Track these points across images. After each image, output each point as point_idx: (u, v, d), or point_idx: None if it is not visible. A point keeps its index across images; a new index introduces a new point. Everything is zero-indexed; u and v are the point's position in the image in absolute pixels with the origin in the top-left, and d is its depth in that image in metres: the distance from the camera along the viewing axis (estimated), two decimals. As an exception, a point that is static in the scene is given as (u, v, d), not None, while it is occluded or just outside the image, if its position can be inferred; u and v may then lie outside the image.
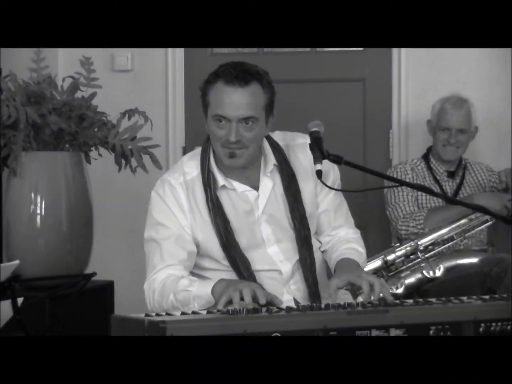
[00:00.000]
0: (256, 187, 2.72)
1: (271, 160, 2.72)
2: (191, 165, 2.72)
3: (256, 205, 2.72)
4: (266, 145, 2.75)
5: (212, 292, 2.50)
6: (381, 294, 2.48)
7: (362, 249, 2.78)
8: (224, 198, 2.69)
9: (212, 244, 2.67)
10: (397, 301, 2.50)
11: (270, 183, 2.73)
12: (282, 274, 2.71)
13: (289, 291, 2.70)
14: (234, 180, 2.70)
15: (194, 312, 2.50)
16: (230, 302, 2.41)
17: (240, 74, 2.59)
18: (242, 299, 2.40)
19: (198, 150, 2.76)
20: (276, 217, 2.74)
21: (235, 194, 2.71)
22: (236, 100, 2.58)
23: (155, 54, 4.49)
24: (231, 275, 2.65)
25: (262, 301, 2.39)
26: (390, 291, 2.52)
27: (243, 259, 2.66)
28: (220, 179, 2.67)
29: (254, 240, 2.71)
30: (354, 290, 2.50)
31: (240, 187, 2.70)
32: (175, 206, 2.67)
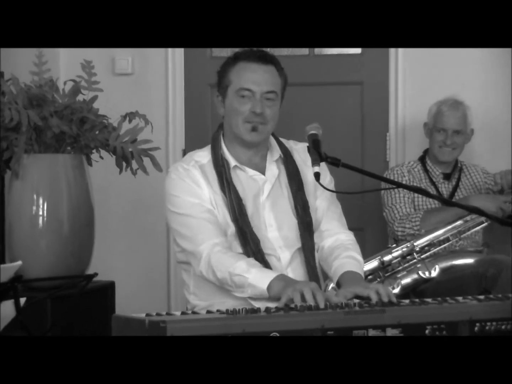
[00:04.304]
0: (263, 173, 2.81)
1: (277, 151, 2.84)
2: (200, 155, 2.81)
3: (262, 189, 2.79)
4: (272, 139, 2.86)
5: (268, 288, 2.53)
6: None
7: (359, 256, 2.81)
8: (236, 179, 2.76)
9: (224, 220, 2.72)
10: (394, 302, 2.52)
11: (276, 171, 2.82)
12: (280, 260, 2.75)
13: None
14: (244, 165, 2.79)
15: (194, 312, 2.51)
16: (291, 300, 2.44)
17: (260, 54, 2.76)
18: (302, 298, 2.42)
19: (199, 153, 2.83)
20: (279, 204, 2.81)
21: (245, 176, 2.79)
22: (260, 75, 2.73)
23: (155, 57, 4.50)
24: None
25: (322, 304, 2.39)
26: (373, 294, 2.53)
27: (253, 236, 2.71)
28: (232, 161, 2.77)
29: (258, 223, 2.75)
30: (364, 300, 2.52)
31: (250, 171, 2.79)
32: (191, 183, 2.73)
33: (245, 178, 2.79)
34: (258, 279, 2.55)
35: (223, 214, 2.72)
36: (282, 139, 2.88)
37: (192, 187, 2.72)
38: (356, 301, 2.52)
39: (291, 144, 2.88)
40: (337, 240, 2.82)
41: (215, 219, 2.71)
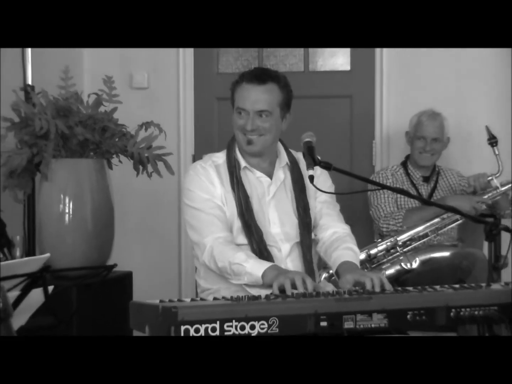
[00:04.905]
0: (270, 177, 2.83)
1: (284, 159, 2.86)
2: (217, 156, 2.84)
3: (268, 190, 2.82)
4: (281, 148, 2.89)
5: (263, 275, 2.54)
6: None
7: (355, 247, 2.82)
8: (245, 178, 2.79)
9: (232, 214, 2.74)
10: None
11: (282, 175, 2.84)
12: (280, 251, 2.77)
13: (286, 267, 2.73)
14: (253, 168, 2.81)
15: (201, 299, 2.51)
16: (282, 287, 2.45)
17: (259, 75, 2.77)
18: (293, 286, 2.43)
19: (216, 155, 2.87)
20: (283, 204, 2.82)
21: (253, 177, 2.81)
22: (253, 96, 2.73)
23: (168, 73, 4.50)
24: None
25: (310, 288, 2.42)
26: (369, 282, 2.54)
27: (257, 228, 2.73)
28: (242, 163, 2.79)
29: (262, 219, 2.77)
30: (361, 285, 2.52)
31: (257, 173, 2.81)
32: (207, 180, 2.75)
33: (253, 179, 2.81)
34: (254, 267, 2.57)
35: (232, 210, 2.74)
36: (291, 150, 2.90)
37: (206, 184, 2.75)
38: (346, 288, 2.53)
39: (298, 155, 2.87)
40: (335, 233, 2.83)
41: (223, 216, 2.73)
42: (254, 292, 2.57)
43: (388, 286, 2.54)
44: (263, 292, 2.48)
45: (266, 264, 2.57)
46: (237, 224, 2.73)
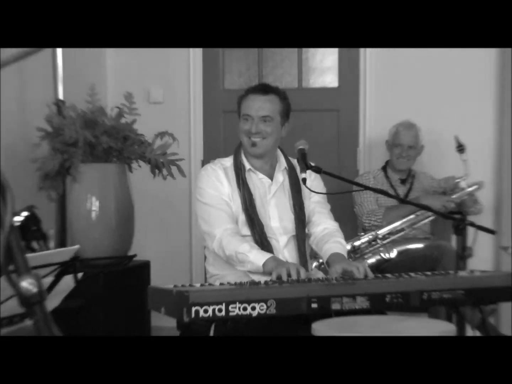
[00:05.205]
0: (271, 178, 2.84)
1: (283, 164, 2.87)
2: (225, 160, 2.85)
3: (269, 190, 2.83)
4: (281, 154, 2.89)
5: (264, 265, 2.56)
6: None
7: (343, 241, 2.83)
8: (249, 179, 2.79)
9: (237, 209, 2.75)
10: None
11: (281, 178, 2.85)
12: (279, 242, 2.77)
13: (283, 257, 2.74)
14: (257, 170, 2.82)
15: (210, 284, 2.52)
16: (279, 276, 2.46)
17: (263, 87, 2.82)
18: (289, 275, 2.45)
19: (225, 159, 2.87)
20: (282, 202, 2.83)
21: (256, 178, 2.82)
22: (257, 104, 2.77)
23: (181, 90, 4.50)
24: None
25: (303, 276, 2.45)
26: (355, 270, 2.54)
27: (259, 222, 2.74)
28: (247, 165, 2.80)
29: (263, 215, 2.78)
30: (348, 273, 2.53)
31: (259, 174, 2.82)
32: (217, 180, 2.76)
33: (256, 180, 2.81)
34: (257, 258, 2.58)
35: (238, 205, 2.75)
36: (290, 157, 2.90)
37: (215, 183, 2.76)
38: (334, 275, 2.54)
39: (295, 162, 2.87)
40: (325, 229, 2.84)
41: (229, 210, 2.73)
42: (256, 278, 2.58)
43: (370, 274, 2.55)
44: (263, 279, 2.50)
45: (266, 255, 2.59)
46: (241, 218, 2.74)
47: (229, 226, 2.69)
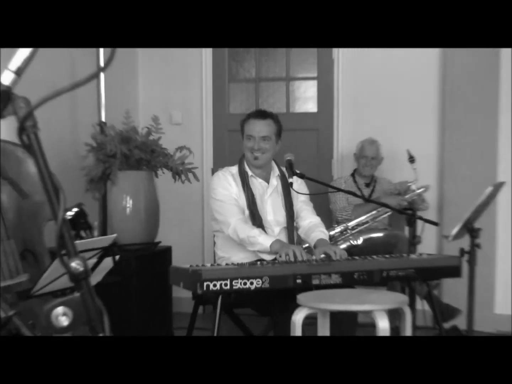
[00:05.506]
0: (267, 182, 2.83)
1: (277, 172, 2.86)
2: (232, 168, 2.85)
3: (266, 191, 2.82)
4: (274, 164, 2.88)
5: (270, 246, 2.57)
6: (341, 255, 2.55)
7: (325, 230, 2.85)
8: (251, 183, 2.79)
9: (242, 206, 2.74)
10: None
11: (275, 182, 2.84)
12: (273, 232, 2.76)
13: None
14: (257, 176, 2.82)
15: (218, 264, 2.51)
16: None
17: (262, 113, 2.81)
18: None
19: (232, 167, 2.86)
20: (276, 202, 2.83)
21: (256, 182, 2.81)
22: (258, 127, 2.76)
23: (196, 114, 4.49)
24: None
25: (305, 258, 2.45)
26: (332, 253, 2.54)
27: (259, 216, 2.74)
28: (249, 172, 2.80)
29: (262, 210, 2.77)
30: (328, 255, 2.53)
31: (259, 179, 2.82)
32: (226, 182, 2.76)
33: (256, 183, 2.80)
34: (265, 241, 2.59)
35: (243, 203, 2.74)
36: (281, 167, 2.88)
37: (226, 184, 2.75)
38: (321, 256, 2.54)
39: (285, 171, 2.87)
40: (311, 222, 2.84)
41: (238, 205, 2.73)
42: (264, 256, 2.59)
43: (344, 256, 2.54)
44: (268, 257, 2.51)
45: (272, 239, 2.60)
46: (246, 212, 2.75)
47: (240, 216, 2.69)
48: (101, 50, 3.74)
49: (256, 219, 2.72)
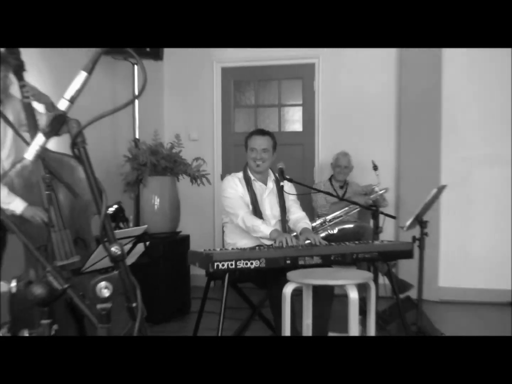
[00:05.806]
0: (265, 185, 2.79)
1: (272, 177, 2.82)
2: (238, 174, 2.80)
3: (265, 192, 2.78)
4: (270, 172, 2.84)
5: (270, 234, 2.55)
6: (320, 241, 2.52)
7: (309, 222, 2.82)
8: (253, 185, 2.75)
9: (247, 204, 2.71)
10: (318, 244, 2.51)
11: (271, 185, 2.81)
12: (270, 223, 2.75)
13: None
14: (257, 180, 2.77)
15: (225, 249, 2.50)
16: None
17: (261, 131, 2.80)
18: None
19: (238, 173, 2.81)
20: (272, 200, 2.79)
21: (257, 185, 2.77)
22: (259, 141, 2.75)
23: (208, 132, 4.47)
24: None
25: (294, 244, 2.43)
26: (313, 240, 2.52)
27: (259, 211, 2.71)
28: (252, 177, 2.76)
29: (262, 207, 2.74)
30: (311, 242, 2.51)
31: (259, 182, 2.78)
32: (234, 184, 2.72)
33: (257, 186, 2.77)
34: (266, 229, 2.57)
35: (247, 202, 2.71)
36: (275, 173, 2.86)
37: (234, 186, 2.72)
38: (306, 242, 2.52)
39: (278, 176, 2.85)
40: (298, 216, 2.82)
41: (244, 201, 2.70)
42: (264, 241, 2.59)
43: (323, 242, 2.53)
44: (268, 242, 2.51)
45: (271, 228, 2.59)
46: (250, 207, 2.71)
47: (247, 209, 2.67)
48: (136, 80, 3.75)
49: (257, 213, 2.72)
